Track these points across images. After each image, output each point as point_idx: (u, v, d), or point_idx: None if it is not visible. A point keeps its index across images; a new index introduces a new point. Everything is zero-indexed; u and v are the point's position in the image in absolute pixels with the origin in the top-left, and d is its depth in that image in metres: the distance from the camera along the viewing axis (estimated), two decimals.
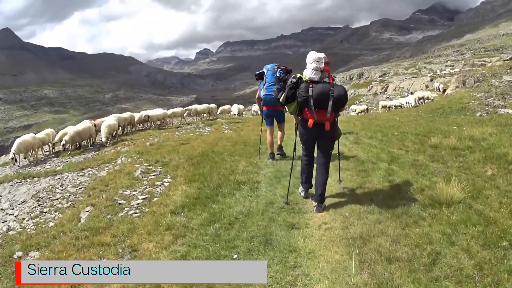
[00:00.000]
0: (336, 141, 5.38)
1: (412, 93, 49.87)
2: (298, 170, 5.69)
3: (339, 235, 4.21)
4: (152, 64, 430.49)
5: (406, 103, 26.87)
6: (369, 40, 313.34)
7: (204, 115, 19.90)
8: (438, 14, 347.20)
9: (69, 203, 7.30)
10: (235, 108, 24.50)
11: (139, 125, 17.00)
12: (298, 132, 5.23)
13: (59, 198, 7.64)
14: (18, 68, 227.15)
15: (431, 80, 49.36)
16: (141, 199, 6.47)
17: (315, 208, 4.95)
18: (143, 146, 12.05)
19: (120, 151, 11.75)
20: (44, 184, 8.89)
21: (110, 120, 13.89)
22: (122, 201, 6.43)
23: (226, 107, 24.68)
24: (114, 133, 14.08)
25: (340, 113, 5.25)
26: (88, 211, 6.39)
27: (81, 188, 8.26)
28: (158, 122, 17.40)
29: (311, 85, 4.81)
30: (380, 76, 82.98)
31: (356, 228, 4.30)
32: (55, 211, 6.96)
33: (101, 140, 13.33)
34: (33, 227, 6.47)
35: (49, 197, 7.74)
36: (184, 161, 8.53)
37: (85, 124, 13.15)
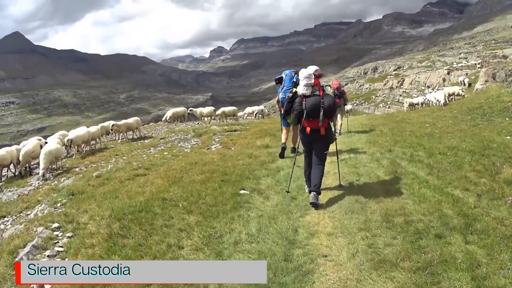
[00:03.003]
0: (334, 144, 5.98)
1: (429, 87, 48.23)
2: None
3: None
4: (167, 64, 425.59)
5: (436, 100, 23.44)
6: (382, 34, 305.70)
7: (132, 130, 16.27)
8: (447, 6, 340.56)
9: None
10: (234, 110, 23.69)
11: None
12: (299, 137, 5.81)
13: None
14: (30, 72, 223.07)
15: (448, 73, 49.25)
16: None
17: (311, 197, 5.34)
18: (87, 178, 9.05)
19: (55, 188, 8.80)
20: None
21: (51, 145, 10.92)
22: None
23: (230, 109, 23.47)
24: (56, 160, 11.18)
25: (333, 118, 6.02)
26: None
27: None
28: (83, 145, 13.54)
29: (304, 99, 5.43)
30: (394, 70, 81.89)
31: None
32: None
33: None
34: None
35: None
36: (105, 226, 5.22)
37: None
